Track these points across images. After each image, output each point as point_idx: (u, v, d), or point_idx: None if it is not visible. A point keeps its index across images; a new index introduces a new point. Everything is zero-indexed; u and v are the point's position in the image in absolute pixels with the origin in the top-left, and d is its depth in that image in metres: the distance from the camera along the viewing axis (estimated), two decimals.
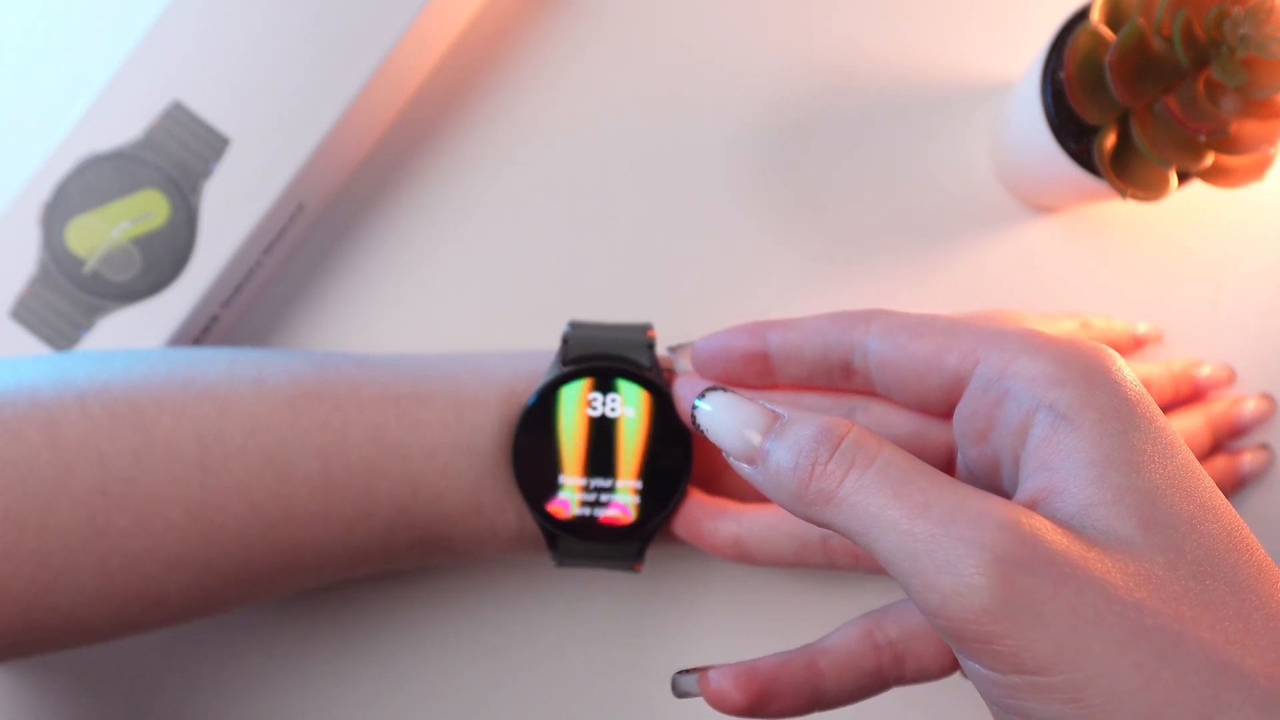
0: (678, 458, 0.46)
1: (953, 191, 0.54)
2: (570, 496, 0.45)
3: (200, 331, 0.50)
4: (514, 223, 0.54)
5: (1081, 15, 0.47)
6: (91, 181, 0.48)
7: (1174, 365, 0.52)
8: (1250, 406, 0.52)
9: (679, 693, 0.40)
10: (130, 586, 0.42)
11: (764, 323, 0.42)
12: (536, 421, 0.45)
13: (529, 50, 0.54)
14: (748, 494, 0.47)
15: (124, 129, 0.48)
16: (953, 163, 0.54)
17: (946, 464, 0.42)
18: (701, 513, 0.46)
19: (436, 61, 0.54)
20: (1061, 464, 0.33)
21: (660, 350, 0.48)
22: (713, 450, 0.47)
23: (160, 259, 0.49)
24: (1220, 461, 0.52)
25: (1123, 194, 0.46)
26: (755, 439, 0.35)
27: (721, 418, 0.36)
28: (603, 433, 0.46)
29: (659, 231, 0.54)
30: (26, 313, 0.48)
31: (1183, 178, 0.47)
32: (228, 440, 0.43)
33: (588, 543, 0.46)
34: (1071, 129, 0.47)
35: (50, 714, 0.52)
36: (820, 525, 0.35)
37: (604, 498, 0.46)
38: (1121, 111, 0.46)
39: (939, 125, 0.54)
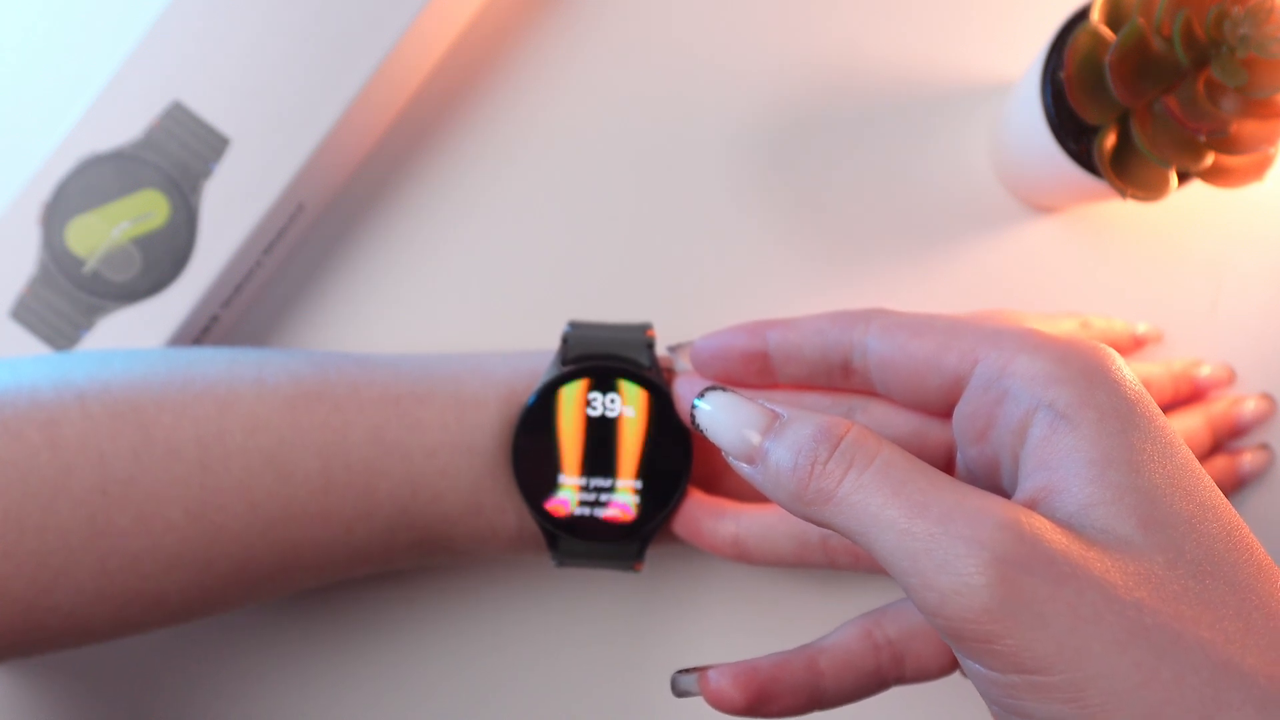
0: (677, 457, 0.46)
1: (953, 191, 0.54)
2: (570, 496, 0.45)
3: (200, 331, 0.50)
4: (514, 223, 0.54)
5: (1081, 15, 0.47)
6: (91, 181, 0.48)
7: (1174, 365, 0.52)
8: (1250, 406, 0.52)
9: (678, 692, 0.40)
10: (130, 586, 0.42)
11: (763, 322, 0.42)
12: (536, 421, 0.45)
13: (529, 50, 0.54)
14: (747, 494, 0.47)
15: (124, 129, 0.48)
16: (953, 163, 0.54)
17: (946, 463, 0.42)
18: (701, 512, 0.46)
19: (436, 61, 0.54)
20: (1061, 463, 0.33)
21: (660, 350, 0.48)
22: (712, 450, 0.47)
23: (160, 259, 0.49)
24: (1220, 461, 0.52)
25: (1123, 194, 0.46)
26: (754, 438, 0.35)
27: (721, 417, 0.36)
28: (602, 432, 0.46)
29: (659, 231, 0.54)
30: (26, 313, 0.48)
31: (1183, 178, 0.47)
32: (228, 440, 0.43)
33: (588, 542, 0.46)
34: (1071, 129, 0.47)
35: (50, 714, 0.52)
36: (819, 525, 0.34)
37: (604, 497, 0.46)
38: (1121, 111, 0.46)
39: (939, 125, 0.54)
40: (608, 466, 0.46)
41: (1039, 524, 0.31)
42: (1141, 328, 0.53)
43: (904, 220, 0.54)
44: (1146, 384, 0.48)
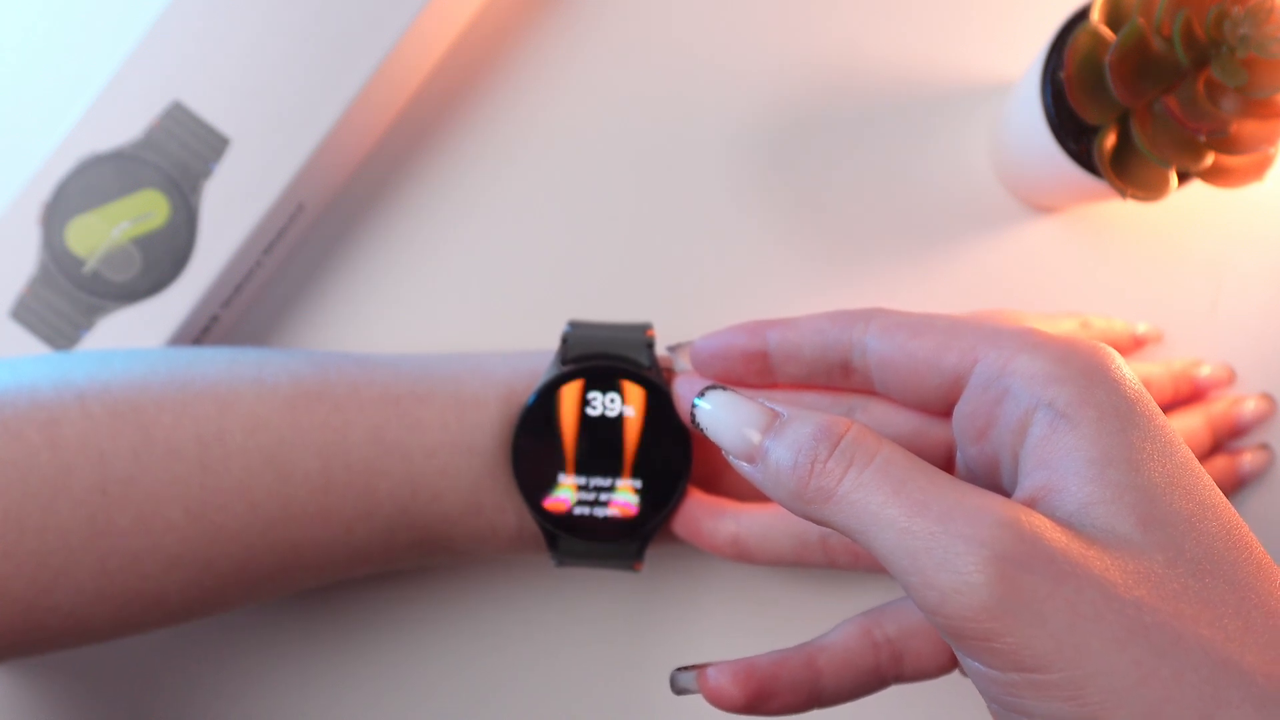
0: (677, 457, 0.46)
1: (953, 191, 0.54)
2: (570, 496, 0.45)
3: (200, 331, 0.50)
4: (514, 223, 0.54)
5: (1081, 15, 0.47)
6: (91, 181, 0.48)
7: (1174, 365, 0.52)
8: (1250, 406, 0.52)
9: (677, 689, 0.40)
10: (130, 586, 0.42)
11: (763, 322, 0.42)
12: (536, 421, 0.45)
13: (529, 50, 0.54)
14: (747, 493, 0.47)
15: (124, 129, 0.49)
16: (953, 163, 0.54)
17: (946, 462, 0.42)
18: (701, 512, 0.46)
19: (436, 61, 0.54)
20: (1060, 462, 0.33)
21: (660, 350, 0.48)
22: (712, 450, 0.47)
23: (160, 259, 0.49)
24: (1220, 461, 0.52)
25: (1123, 194, 0.46)
26: (754, 437, 0.35)
27: (721, 416, 0.36)
28: (602, 432, 0.46)
29: (659, 231, 0.54)
30: (26, 313, 0.48)
31: (1183, 178, 0.47)
32: (228, 440, 0.43)
33: (587, 542, 0.46)
34: (1071, 129, 0.47)
35: (50, 714, 0.52)
36: (819, 523, 0.35)
37: (603, 497, 0.46)
38: (1121, 111, 0.46)
39: (939, 125, 0.54)
40: (607, 466, 0.46)
41: (1038, 522, 0.31)
42: (1141, 328, 0.53)
43: (904, 220, 0.54)
44: (1146, 384, 0.48)
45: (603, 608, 0.53)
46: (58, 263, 0.48)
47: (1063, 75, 0.46)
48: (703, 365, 0.44)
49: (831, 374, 0.41)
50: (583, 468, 0.45)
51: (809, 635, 0.40)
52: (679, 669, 0.40)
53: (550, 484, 0.45)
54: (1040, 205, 0.54)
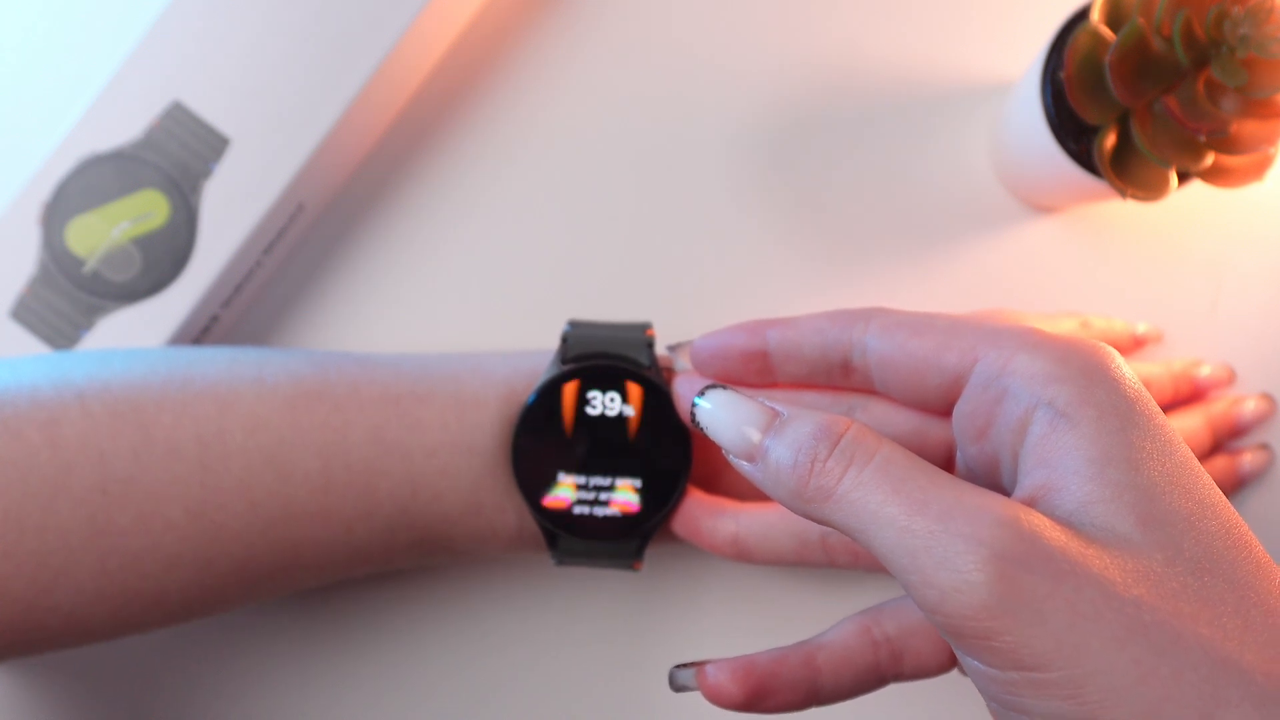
0: (677, 456, 0.46)
1: (953, 191, 0.54)
2: (569, 495, 0.45)
3: (200, 331, 0.50)
4: (514, 223, 0.54)
5: (1081, 15, 0.47)
6: (91, 181, 0.48)
7: (1174, 365, 0.52)
8: (1250, 406, 0.52)
9: (676, 686, 0.40)
10: (130, 586, 0.42)
11: (763, 321, 0.42)
12: (536, 420, 0.45)
13: (529, 50, 0.54)
14: (747, 493, 0.47)
15: (124, 129, 0.49)
16: (953, 163, 0.54)
17: (946, 462, 0.42)
18: (700, 511, 0.46)
19: (436, 61, 0.54)
20: (1060, 461, 0.33)
21: (659, 349, 0.48)
22: (712, 449, 0.47)
23: (160, 259, 0.49)
24: (1220, 461, 0.52)
25: (1123, 194, 0.46)
26: (755, 436, 0.36)
27: (721, 415, 0.37)
28: (602, 431, 0.46)
29: (659, 231, 0.54)
30: (26, 313, 0.48)
31: (1183, 178, 0.47)
32: (228, 439, 0.43)
33: (587, 541, 0.46)
34: (1071, 129, 0.47)
35: (50, 714, 0.52)
36: (819, 522, 0.35)
37: (603, 496, 0.46)
38: (1121, 111, 0.46)
39: (939, 125, 0.54)
40: (607, 465, 0.46)
41: (1038, 521, 0.31)
42: (1141, 328, 0.53)
43: (904, 220, 0.54)
44: (1146, 384, 0.48)
45: (602, 607, 0.53)
46: (58, 263, 0.48)
47: (1063, 75, 0.46)
48: (702, 364, 0.44)
49: (831, 373, 0.41)
50: (582, 467, 0.46)
51: (808, 634, 0.40)
52: (678, 666, 0.40)
53: (550, 483, 0.45)
54: (1040, 205, 0.54)
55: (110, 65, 0.49)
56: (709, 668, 0.39)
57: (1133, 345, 0.52)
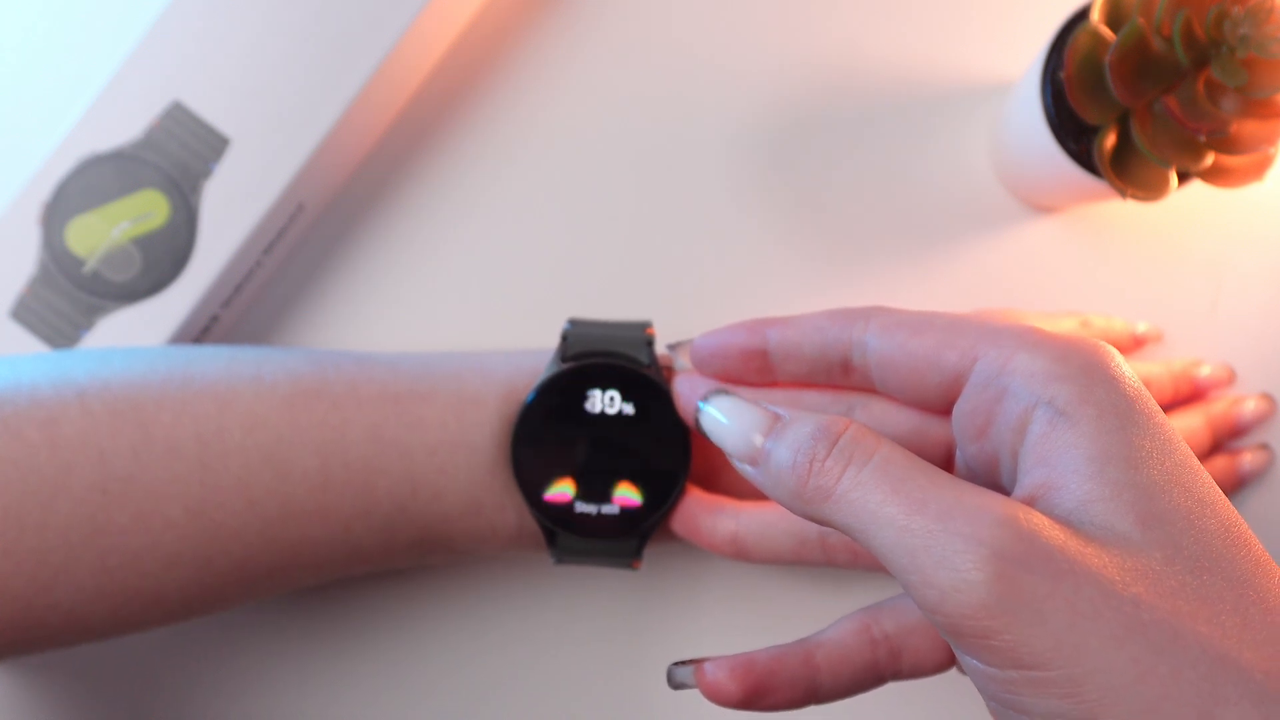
0: (676, 455, 0.46)
1: (953, 191, 0.54)
2: (569, 493, 0.45)
3: (200, 331, 0.50)
4: (514, 223, 0.54)
5: (1081, 15, 0.47)
6: (91, 181, 0.48)
7: (1174, 365, 0.52)
8: (1250, 406, 0.52)
9: (675, 684, 0.40)
10: (130, 584, 0.42)
11: (763, 320, 0.42)
12: (535, 419, 0.45)
13: (529, 50, 0.54)
14: (746, 492, 0.47)
15: (124, 129, 0.49)
16: (953, 163, 0.54)
17: (946, 461, 0.42)
18: (699, 510, 0.46)
19: (436, 61, 0.54)
20: (1060, 460, 0.33)
21: (659, 348, 0.48)
22: (711, 448, 0.47)
23: (160, 259, 0.49)
24: (1220, 461, 0.52)
25: (1123, 194, 0.46)
26: (757, 440, 0.36)
27: (724, 420, 0.37)
28: (601, 430, 0.46)
29: (659, 231, 0.54)
30: (26, 313, 0.48)
31: (1183, 178, 0.47)
32: (227, 438, 0.43)
33: (586, 540, 0.46)
34: (1071, 129, 0.47)
35: (50, 714, 0.52)
36: (820, 523, 0.35)
37: (603, 495, 0.46)
38: (1121, 111, 0.46)
39: (939, 125, 0.54)
40: (607, 464, 0.46)
41: (1037, 520, 0.31)
42: (1141, 327, 0.53)
43: (904, 220, 0.54)
44: (1146, 383, 0.48)
45: (601, 606, 0.53)
46: (58, 263, 0.48)
47: (1063, 75, 0.46)
48: (702, 363, 0.44)
49: (831, 372, 0.41)
50: (582, 466, 0.46)
51: (807, 633, 0.40)
52: (676, 663, 0.40)
53: (549, 481, 0.45)
54: (1040, 205, 0.54)
55: (110, 65, 0.49)
56: (707, 665, 0.39)
57: (1133, 345, 0.52)
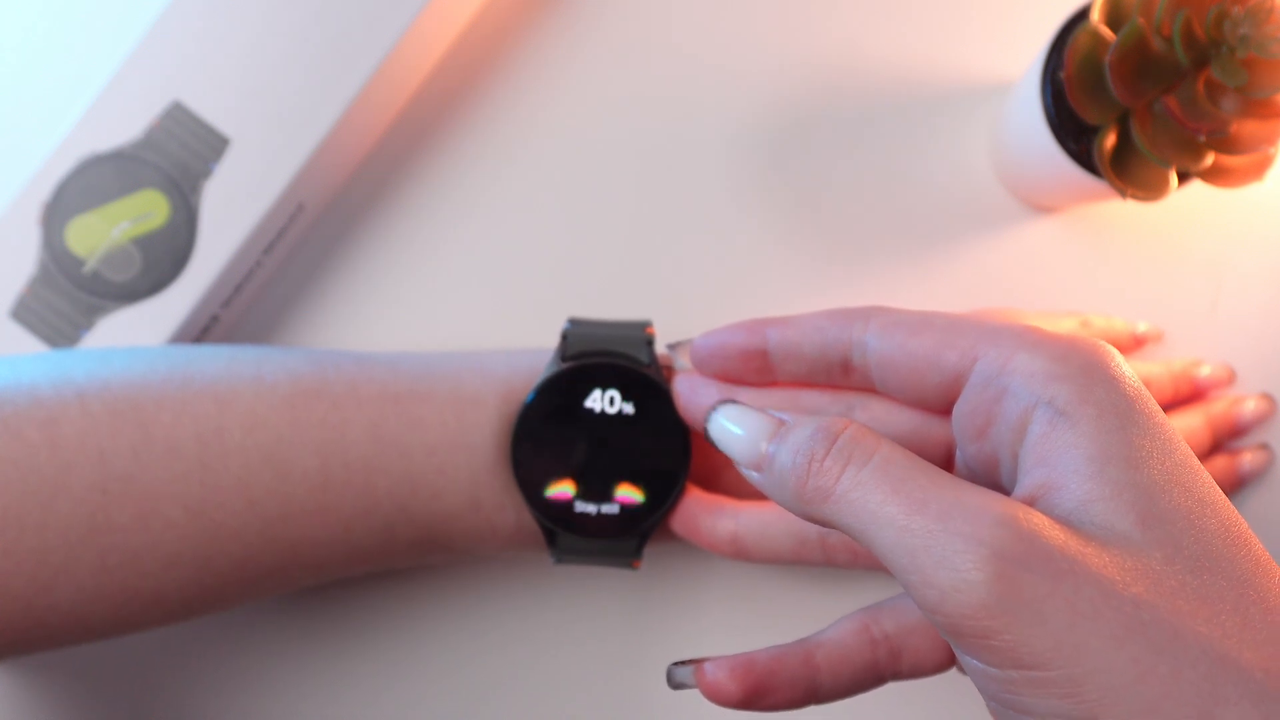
0: (675, 455, 0.46)
1: (953, 191, 0.54)
2: (569, 493, 0.45)
3: (200, 331, 0.50)
4: (514, 223, 0.54)
5: (1081, 15, 0.47)
6: (91, 181, 0.48)
7: (1174, 365, 0.52)
8: (1250, 406, 0.52)
9: (674, 684, 0.40)
10: (130, 584, 0.42)
11: (763, 320, 0.42)
12: (535, 418, 0.45)
13: (529, 50, 0.54)
14: (745, 491, 0.47)
15: (124, 129, 0.49)
16: (953, 163, 0.54)
17: (946, 461, 0.42)
18: (699, 509, 0.46)
19: (436, 61, 0.54)
20: (1060, 460, 0.33)
21: (659, 347, 0.48)
22: (711, 448, 0.47)
23: (160, 259, 0.49)
24: (1220, 461, 0.52)
25: (1123, 194, 0.46)
26: (763, 446, 0.36)
27: (732, 430, 0.37)
28: (601, 429, 0.46)
29: (659, 231, 0.54)
30: (26, 313, 0.48)
31: (1183, 178, 0.47)
32: (226, 438, 0.43)
33: (586, 539, 0.46)
34: (1071, 129, 0.47)
35: (50, 714, 0.52)
36: (821, 524, 0.35)
37: (602, 494, 0.46)
38: (1121, 111, 0.46)
39: (939, 125, 0.54)
40: (606, 464, 0.46)
41: (1037, 520, 0.31)
42: (1141, 327, 0.53)
43: (904, 220, 0.54)
44: (1146, 383, 0.48)
45: (601, 605, 0.53)
46: (58, 263, 0.48)
47: (1063, 75, 0.46)
48: (702, 363, 0.44)
49: (831, 372, 0.41)
50: (582, 465, 0.46)
51: (807, 633, 0.40)
52: (676, 664, 0.40)
53: (549, 481, 0.45)
54: (1040, 205, 0.54)
55: (110, 65, 0.49)
56: (707, 665, 0.39)
57: (1133, 344, 0.52)
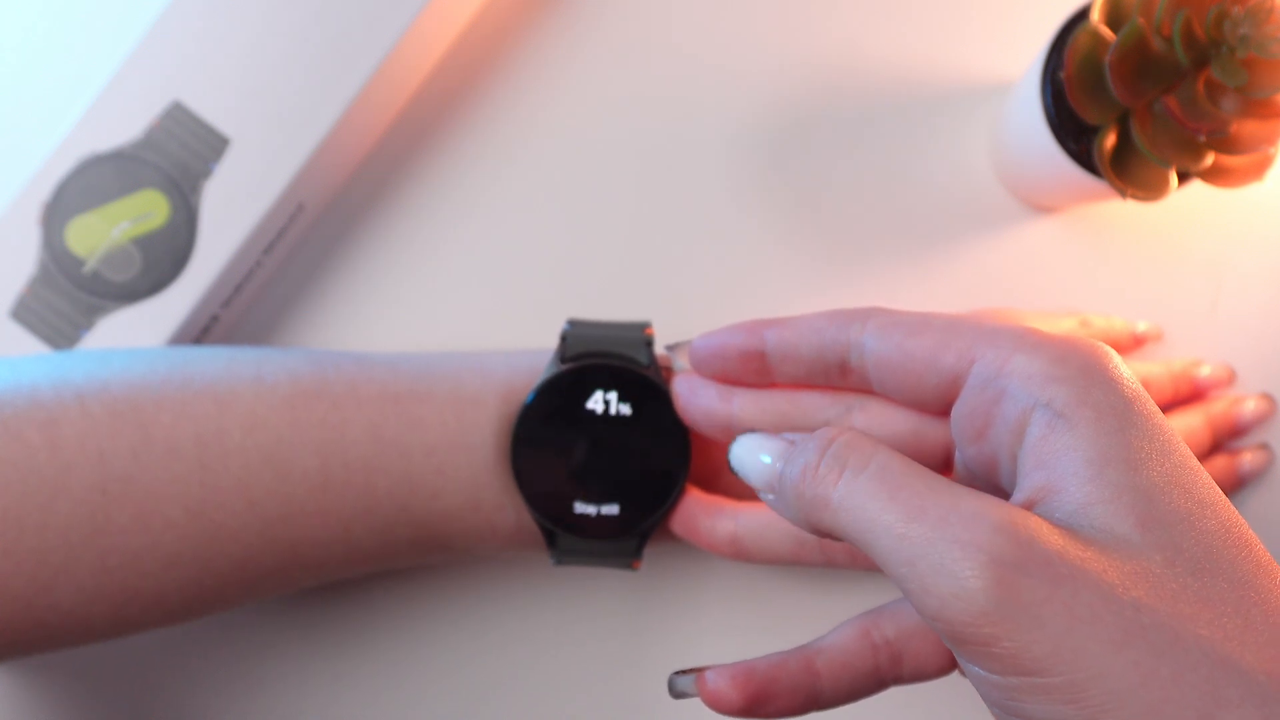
0: (675, 455, 0.46)
1: (953, 191, 0.54)
2: (568, 494, 0.45)
3: (200, 331, 0.50)
4: (514, 223, 0.54)
5: (1081, 15, 0.47)
6: (91, 181, 0.48)
7: (1174, 365, 0.52)
8: (1250, 406, 0.52)
9: (675, 693, 0.40)
10: (130, 584, 0.42)
11: (761, 321, 0.42)
12: (535, 419, 0.45)
13: (529, 50, 0.54)
14: (745, 492, 0.47)
15: (124, 129, 0.49)
16: (953, 163, 0.54)
17: (944, 462, 0.42)
18: (699, 510, 0.46)
19: (436, 61, 0.54)
20: (1058, 462, 0.33)
21: (658, 348, 0.48)
22: (710, 448, 0.47)
23: (160, 259, 0.49)
24: (1220, 461, 0.52)
25: (1123, 194, 0.46)
26: (776, 467, 0.36)
27: (750, 457, 0.38)
28: (600, 430, 0.46)
29: (659, 231, 0.54)
30: (26, 313, 0.48)
31: (1183, 178, 0.47)
32: (226, 438, 0.43)
33: (586, 540, 0.46)
34: (1071, 129, 0.47)
35: (50, 714, 0.52)
36: (824, 534, 0.35)
37: (602, 495, 0.46)
38: (1121, 111, 0.46)
39: (939, 125, 0.54)
40: (606, 464, 0.46)
41: (1035, 525, 0.31)
42: (1141, 326, 0.53)
43: (904, 220, 0.54)
44: (1146, 383, 0.48)
45: (601, 606, 0.53)
46: (58, 263, 0.48)
47: (1063, 75, 0.46)
48: (701, 364, 0.44)
49: (829, 373, 0.41)
50: (581, 466, 0.46)
51: (808, 635, 0.40)
52: (677, 673, 0.40)
53: (549, 482, 0.45)
54: (1040, 205, 0.54)
55: (110, 65, 0.49)
56: (708, 674, 0.39)
57: (1133, 344, 0.52)
